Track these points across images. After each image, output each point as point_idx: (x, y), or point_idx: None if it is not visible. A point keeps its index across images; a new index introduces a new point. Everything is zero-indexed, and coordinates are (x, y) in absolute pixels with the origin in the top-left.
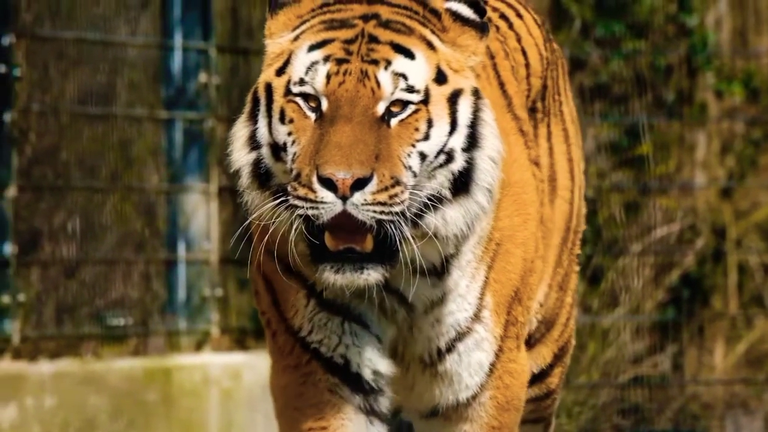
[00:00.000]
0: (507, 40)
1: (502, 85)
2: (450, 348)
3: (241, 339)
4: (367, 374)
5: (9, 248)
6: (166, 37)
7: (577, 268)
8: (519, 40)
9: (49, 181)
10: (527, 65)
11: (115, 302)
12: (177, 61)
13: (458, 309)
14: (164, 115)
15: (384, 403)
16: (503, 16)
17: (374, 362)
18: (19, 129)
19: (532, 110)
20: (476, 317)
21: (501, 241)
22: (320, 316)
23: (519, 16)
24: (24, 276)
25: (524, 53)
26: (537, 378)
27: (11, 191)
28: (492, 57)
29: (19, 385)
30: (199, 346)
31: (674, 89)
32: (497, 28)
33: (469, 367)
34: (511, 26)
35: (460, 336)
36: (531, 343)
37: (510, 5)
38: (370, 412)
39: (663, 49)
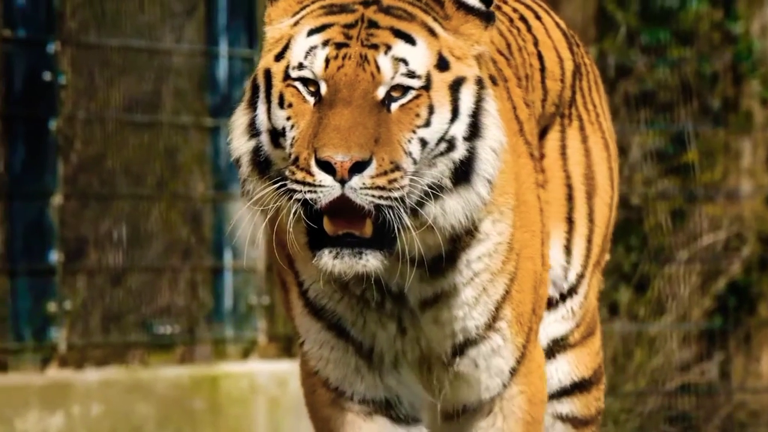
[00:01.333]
0: (526, 45)
1: (514, 108)
2: (460, 352)
3: (287, 347)
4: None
5: (55, 256)
6: (211, 45)
7: (600, 276)
8: (536, 43)
9: (94, 188)
10: (542, 69)
11: (162, 310)
12: (222, 68)
13: (464, 317)
14: (210, 123)
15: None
16: (522, 18)
17: (349, 377)
18: (65, 137)
19: (560, 116)
20: (490, 327)
21: (520, 251)
22: (306, 320)
23: (537, 17)
24: (70, 284)
25: (540, 57)
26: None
27: (57, 199)
28: (506, 80)
29: (65, 393)
30: (245, 354)
31: (720, 97)
32: (519, 30)
33: (488, 370)
34: (529, 29)
35: (471, 342)
36: (566, 347)
37: (528, 6)
38: (368, 417)
39: (708, 56)
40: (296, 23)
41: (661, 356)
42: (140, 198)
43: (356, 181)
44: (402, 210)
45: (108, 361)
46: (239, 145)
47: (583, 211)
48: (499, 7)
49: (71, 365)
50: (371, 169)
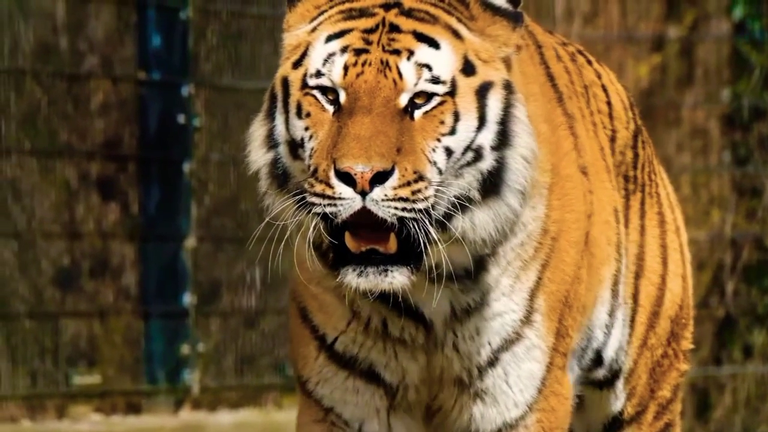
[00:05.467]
0: (583, 71)
1: (551, 77)
2: (493, 361)
3: None
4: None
5: (188, 298)
6: None
7: (681, 366)
8: (599, 76)
9: (228, 231)
10: (609, 103)
11: None
12: None
13: (504, 310)
14: None
15: None
16: (581, 52)
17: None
18: (198, 179)
19: (624, 177)
20: (526, 321)
21: (557, 235)
22: (327, 370)
23: (599, 63)
24: (204, 326)
25: (605, 90)
26: None
27: (190, 242)
28: (539, 46)
29: None
30: None
31: None
32: (573, 55)
33: (519, 380)
34: (590, 63)
35: (507, 344)
36: (621, 423)
37: (589, 59)
38: None
39: None
40: (314, 29)
41: None
42: (274, 240)
43: (378, 192)
44: (427, 222)
45: (241, 404)
46: (257, 157)
47: (629, 291)
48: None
49: (204, 407)
50: (393, 180)
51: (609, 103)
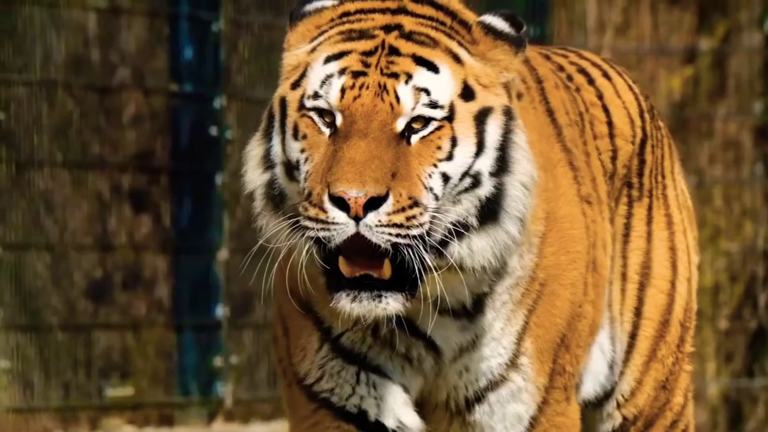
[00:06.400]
0: (581, 91)
1: (550, 112)
2: (479, 398)
3: None
4: (391, 424)
5: (221, 311)
6: None
7: (688, 368)
8: (600, 96)
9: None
10: (609, 123)
11: None
12: None
13: (491, 354)
14: None
15: None
16: (582, 71)
17: (398, 413)
18: (230, 191)
19: (627, 185)
20: (512, 364)
21: (546, 281)
22: (333, 364)
23: (606, 76)
24: (236, 338)
25: (606, 110)
26: None
27: (223, 254)
28: (539, 81)
29: None
30: None
31: None
32: (570, 77)
33: (504, 419)
34: (591, 82)
35: (492, 385)
36: None
37: (595, 64)
38: None
39: None
40: (313, 49)
41: None
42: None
43: (371, 218)
44: (422, 249)
45: (274, 416)
46: (253, 177)
47: (630, 306)
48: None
49: (237, 419)
50: (388, 206)
51: (610, 123)
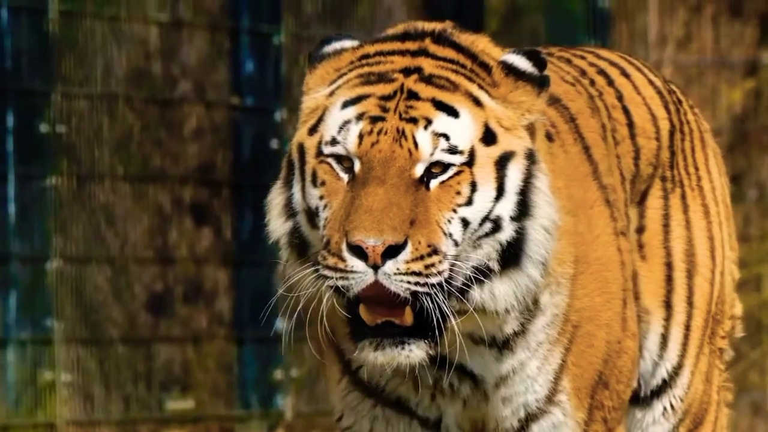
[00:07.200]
0: (604, 95)
1: (587, 149)
2: (523, 427)
3: None
4: None
5: (281, 323)
6: None
7: (720, 364)
8: (620, 98)
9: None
10: (630, 124)
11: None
12: None
13: (526, 391)
14: None
15: None
16: (602, 72)
17: None
18: None
19: (662, 179)
20: (550, 400)
21: (579, 323)
22: (352, 397)
23: (625, 75)
24: (297, 351)
25: (626, 111)
26: None
27: (280, 267)
28: (573, 119)
29: None
30: None
31: None
32: (592, 81)
33: None
34: (611, 83)
35: (533, 417)
36: None
37: (614, 63)
38: None
39: None
40: (332, 93)
41: None
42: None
43: (390, 266)
44: (441, 297)
45: (334, 429)
46: (276, 226)
47: (682, 294)
48: (569, 60)
49: None
50: (406, 254)
51: (630, 124)
